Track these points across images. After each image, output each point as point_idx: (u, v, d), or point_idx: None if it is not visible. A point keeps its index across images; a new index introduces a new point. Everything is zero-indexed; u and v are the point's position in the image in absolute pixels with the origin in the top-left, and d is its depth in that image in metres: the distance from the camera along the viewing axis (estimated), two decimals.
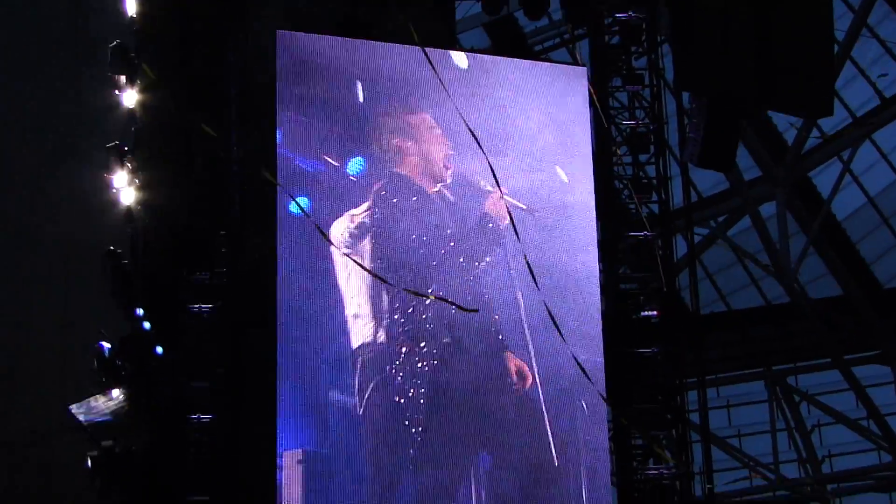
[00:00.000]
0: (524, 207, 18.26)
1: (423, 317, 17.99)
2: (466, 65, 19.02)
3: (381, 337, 17.91)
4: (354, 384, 17.70)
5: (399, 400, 17.75)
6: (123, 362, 17.29)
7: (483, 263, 18.30)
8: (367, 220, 17.89)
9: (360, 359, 17.78)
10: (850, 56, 26.84)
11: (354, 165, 18.24)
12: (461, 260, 18.20)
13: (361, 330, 17.86)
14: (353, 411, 17.71)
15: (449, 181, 18.28)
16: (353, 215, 17.90)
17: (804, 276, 28.46)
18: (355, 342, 17.81)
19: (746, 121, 22.61)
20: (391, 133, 18.29)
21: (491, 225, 18.23)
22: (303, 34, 18.75)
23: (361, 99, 18.45)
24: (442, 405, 17.98)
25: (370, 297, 17.97)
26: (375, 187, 18.05)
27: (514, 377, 18.19)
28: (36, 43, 21.12)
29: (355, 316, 17.85)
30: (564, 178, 19.16)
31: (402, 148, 18.30)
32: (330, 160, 17.99)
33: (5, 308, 20.54)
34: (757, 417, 31.01)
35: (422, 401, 17.79)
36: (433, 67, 16.92)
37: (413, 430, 17.75)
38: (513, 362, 18.22)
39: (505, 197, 17.81)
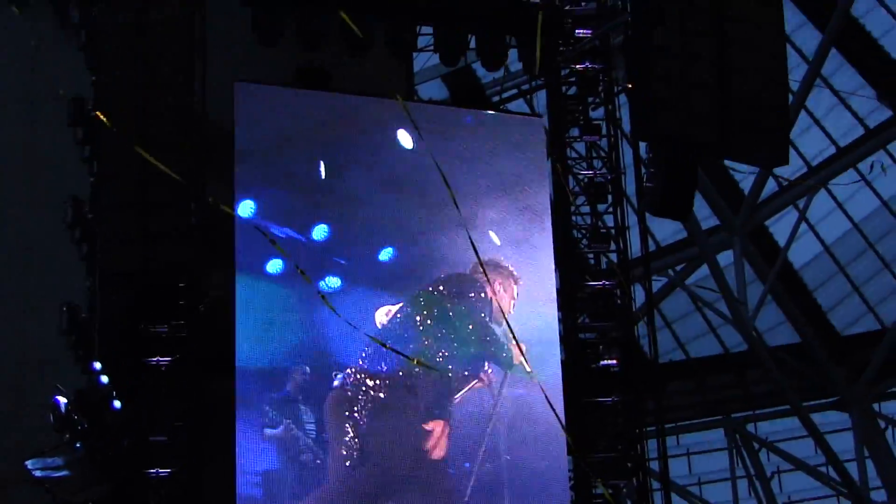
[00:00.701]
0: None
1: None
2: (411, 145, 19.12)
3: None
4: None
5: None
6: (80, 416, 17.11)
7: None
8: None
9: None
10: (805, 106, 27.06)
11: (319, 232, 18.35)
12: None
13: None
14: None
15: None
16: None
17: (762, 323, 28.56)
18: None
19: (703, 170, 22.78)
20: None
21: None
22: (261, 86, 18.81)
23: (324, 176, 18.56)
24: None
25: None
26: None
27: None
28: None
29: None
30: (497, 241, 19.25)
31: None
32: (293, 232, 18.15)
33: None
34: (717, 465, 31.07)
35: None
36: (413, 123, 17.29)
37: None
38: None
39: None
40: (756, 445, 30.75)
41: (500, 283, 18.74)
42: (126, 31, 17.33)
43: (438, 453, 18.26)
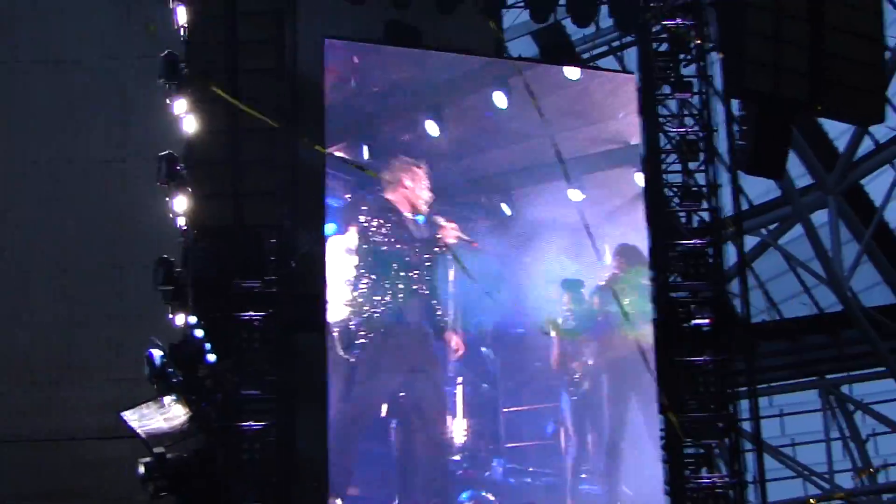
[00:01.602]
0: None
1: None
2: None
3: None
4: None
5: None
6: (174, 370, 17.39)
7: None
8: None
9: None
10: None
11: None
12: None
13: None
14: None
15: None
16: None
17: (857, 284, 28.26)
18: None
19: (796, 128, 22.53)
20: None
21: None
22: (351, 43, 18.90)
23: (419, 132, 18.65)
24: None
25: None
26: None
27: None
28: (92, 52, 21.33)
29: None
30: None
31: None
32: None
33: (60, 308, 20.71)
34: (811, 427, 30.83)
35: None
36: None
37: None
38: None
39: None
40: (851, 407, 30.49)
41: (408, 179, 18.51)
42: None
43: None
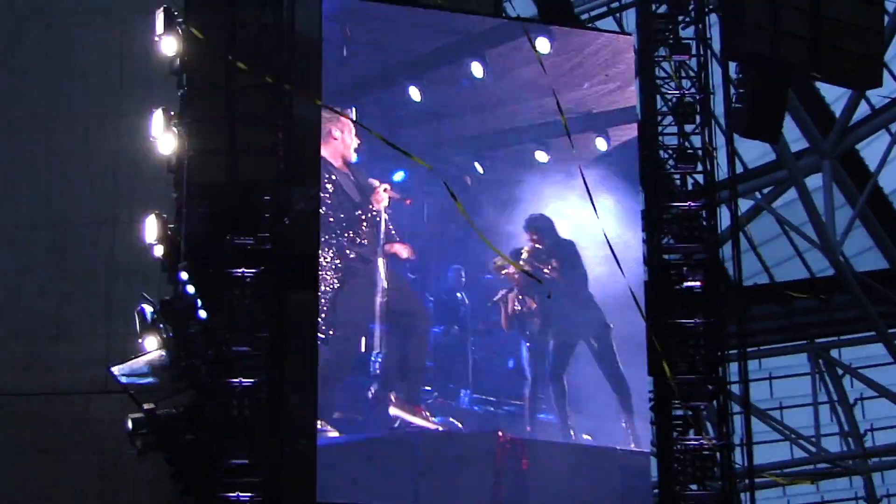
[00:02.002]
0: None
1: None
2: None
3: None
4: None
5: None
6: (165, 325, 17.35)
7: None
8: None
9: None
10: None
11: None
12: None
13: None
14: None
15: None
16: None
17: (849, 249, 28.26)
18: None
19: (793, 91, 22.46)
20: None
21: None
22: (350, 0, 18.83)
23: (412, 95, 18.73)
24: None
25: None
26: None
27: None
28: (80, 4, 21.24)
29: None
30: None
31: None
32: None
33: (50, 263, 20.65)
34: (799, 390, 30.93)
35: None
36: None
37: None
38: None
39: None
40: (840, 371, 30.58)
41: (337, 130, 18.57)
42: None
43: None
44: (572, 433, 18.79)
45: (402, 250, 18.47)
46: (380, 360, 18.12)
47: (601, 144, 19.66)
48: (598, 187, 19.06)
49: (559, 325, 19.15)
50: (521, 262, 18.84)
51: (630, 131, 19.74)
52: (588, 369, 19.12)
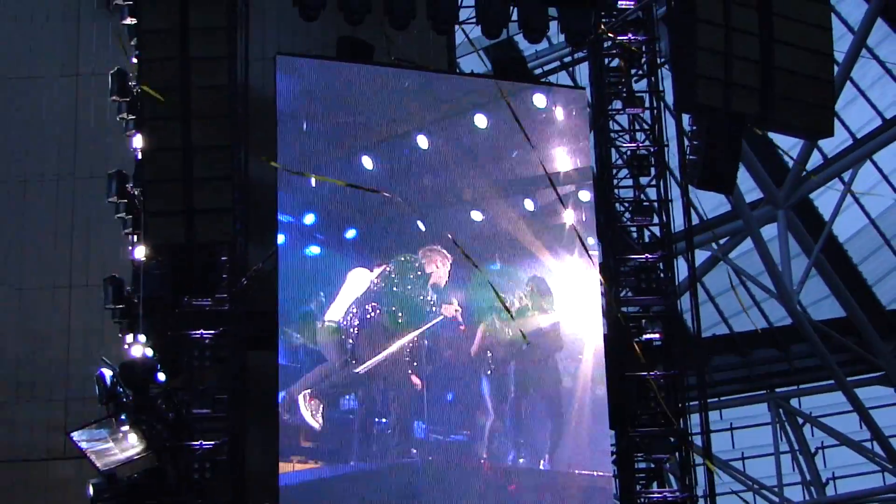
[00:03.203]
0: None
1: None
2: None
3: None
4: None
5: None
6: (124, 389, 17.22)
7: None
8: None
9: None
10: (850, 77, 26.84)
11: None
12: None
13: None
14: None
15: None
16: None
17: (806, 297, 28.41)
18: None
19: (746, 142, 22.61)
20: None
21: None
22: (303, 59, 18.88)
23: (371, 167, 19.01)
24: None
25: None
26: None
27: None
28: (38, 73, 21.13)
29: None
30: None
31: None
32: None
33: (9, 327, 20.45)
34: (760, 440, 30.96)
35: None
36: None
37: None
38: None
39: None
40: (800, 420, 30.65)
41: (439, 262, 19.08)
42: (168, 6, 17.34)
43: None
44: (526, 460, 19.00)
45: None
46: None
47: (529, 205, 19.80)
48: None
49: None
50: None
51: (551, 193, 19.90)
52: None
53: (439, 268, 19.05)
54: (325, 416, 18.00)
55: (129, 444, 17.21)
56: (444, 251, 19.07)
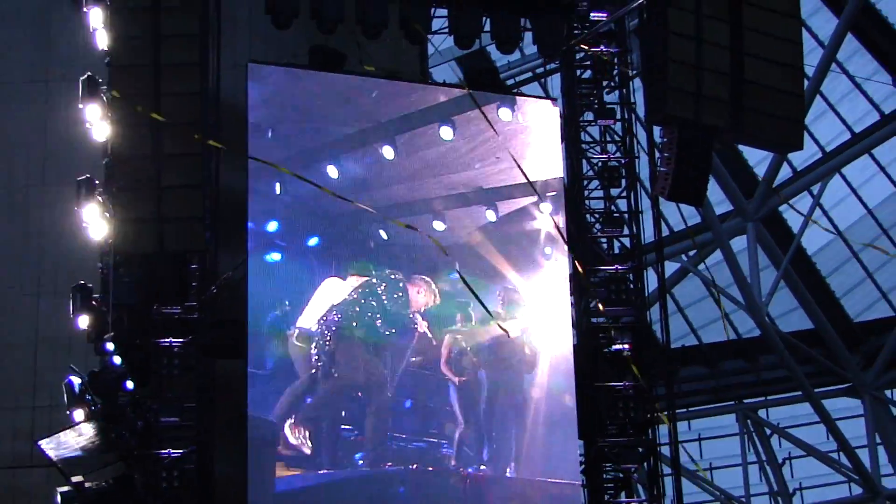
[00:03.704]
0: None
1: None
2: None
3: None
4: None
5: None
6: (93, 397, 17.15)
7: None
8: None
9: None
10: (820, 91, 26.98)
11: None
12: None
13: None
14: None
15: None
16: None
17: (775, 309, 28.53)
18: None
19: (717, 155, 22.71)
20: None
21: None
22: (275, 67, 18.87)
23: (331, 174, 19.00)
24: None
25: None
26: None
27: None
28: (7, 78, 21.00)
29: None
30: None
31: None
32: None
33: None
34: (728, 451, 31.05)
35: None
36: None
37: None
38: None
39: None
40: (768, 431, 30.76)
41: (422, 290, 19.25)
42: (140, 12, 17.29)
43: None
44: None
45: None
46: None
47: (493, 215, 19.87)
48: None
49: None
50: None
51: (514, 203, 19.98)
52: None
53: (420, 294, 19.06)
54: (312, 439, 18.08)
55: (93, 443, 17.15)
56: (435, 288, 19.12)
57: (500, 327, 18.88)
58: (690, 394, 29.58)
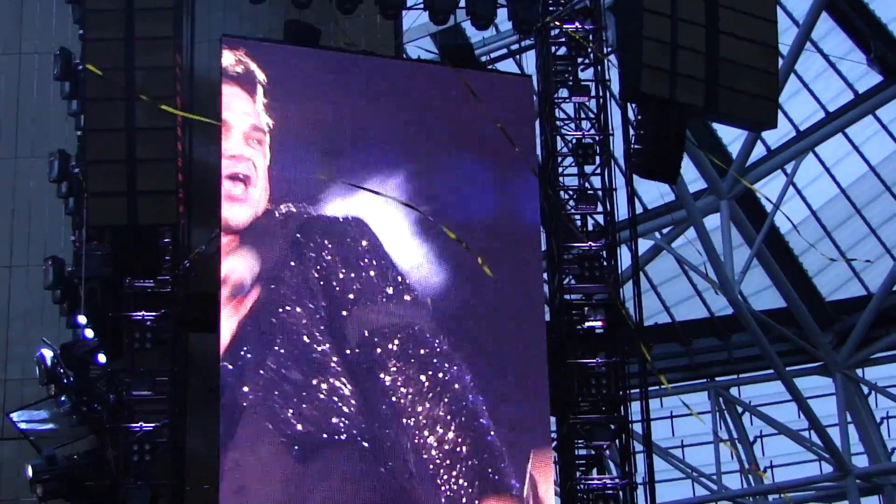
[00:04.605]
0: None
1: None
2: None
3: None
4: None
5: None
6: (65, 370, 17.13)
7: None
8: None
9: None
10: (794, 70, 27.03)
11: None
12: None
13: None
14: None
15: None
16: None
17: (747, 288, 28.61)
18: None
19: (691, 132, 22.75)
20: None
21: None
22: (249, 41, 18.80)
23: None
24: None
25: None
26: None
27: None
28: None
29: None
30: None
31: None
32: None
33: None
34: (700, 428, 31.14)
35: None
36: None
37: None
38: None
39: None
40: (739, 409, 30.89)
41: None
42: None
43: None
44: None
45: None
46: None
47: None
48: None
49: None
50: None
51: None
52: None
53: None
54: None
55: (65, 416, 17.15)
56: None
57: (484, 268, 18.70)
58: (663, 371, 29.65)
